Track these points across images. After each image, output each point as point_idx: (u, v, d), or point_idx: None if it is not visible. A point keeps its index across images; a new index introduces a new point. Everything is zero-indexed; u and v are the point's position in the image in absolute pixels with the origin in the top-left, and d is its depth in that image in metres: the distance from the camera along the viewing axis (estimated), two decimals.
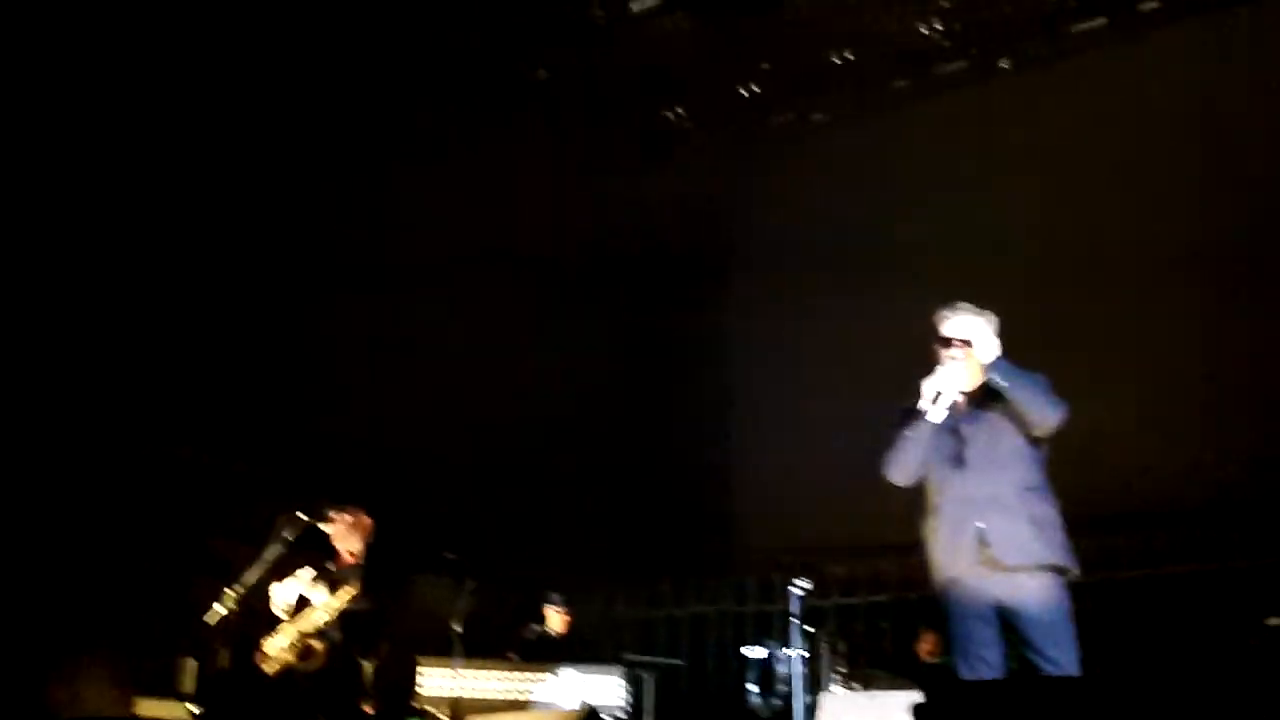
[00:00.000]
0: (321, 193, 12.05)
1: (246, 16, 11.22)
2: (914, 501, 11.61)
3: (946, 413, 5.61)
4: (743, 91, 13.70)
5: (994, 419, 5.60)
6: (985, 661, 5.44)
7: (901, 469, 5.81)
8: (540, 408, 13.78)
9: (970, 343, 5.67)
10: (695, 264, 14.68)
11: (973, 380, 5.66)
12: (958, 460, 5.62)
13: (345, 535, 7.90)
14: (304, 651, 7.44)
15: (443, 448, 12.64)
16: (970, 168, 12.85)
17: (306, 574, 7.76)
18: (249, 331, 11.47)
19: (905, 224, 13.03)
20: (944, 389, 5.59)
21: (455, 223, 12.87)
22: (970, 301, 5.84)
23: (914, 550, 11.73)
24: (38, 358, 9.93)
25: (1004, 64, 12.70)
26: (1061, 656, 5.25)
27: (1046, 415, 5.47)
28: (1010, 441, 5.57)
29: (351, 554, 7.87)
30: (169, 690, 8.54)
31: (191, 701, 8.02)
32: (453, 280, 12.81)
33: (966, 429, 5.64)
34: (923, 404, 5.61)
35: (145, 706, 7.96)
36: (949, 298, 5.86)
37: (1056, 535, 5.47)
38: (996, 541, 5.44)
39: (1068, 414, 5.47)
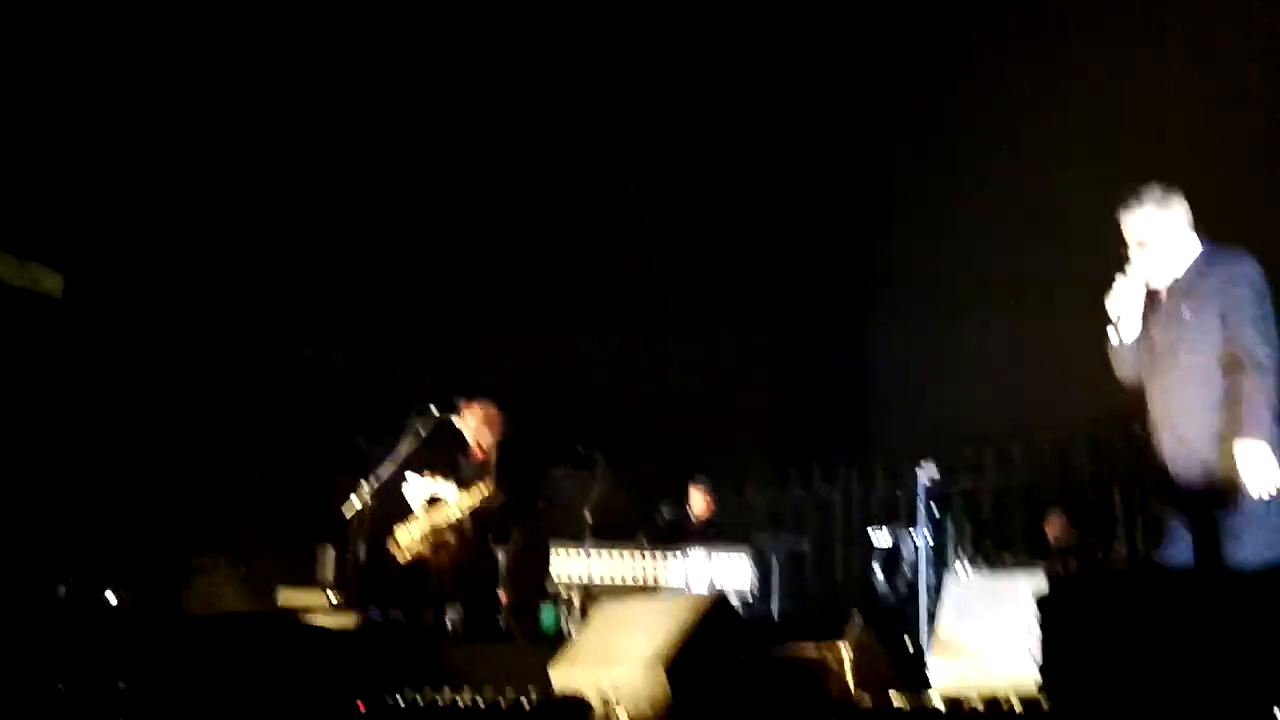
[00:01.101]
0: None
1: None
2: (1043, 386, 11.53)
3: (1136, 331, 5.17)
4: None
5: (1176, 328, 5.08)
6: (1180, 542, 5.05)
7: (1123, 378, 5.31)
8: (674, 297, 13.95)
9: (1149, 243, 5.13)
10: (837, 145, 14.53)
11: (1161, 279, 5.14)
12: (1150, 368, 5.19)
13: (477, 429, 8.05)
14: (437, 543, 7.65)
15: (580, 344, 13.01)
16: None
17: (440, 470, 7.96)
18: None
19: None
20: (1124, 309, 5.19)
21: None
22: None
23: (1043, 433, 11.69)
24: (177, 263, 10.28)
25: None
26: (1237, 552, 4.90)
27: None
28: (1189, 357, 5.04)
29: (482, 447, 8.02)
30: (310, 579, 8.87)
31: (330, 589, 8.33)
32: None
33: (1156, 335, 5.15)
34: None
35: (287, 595, 8.25)
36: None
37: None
38: (1170, 459, 5.02)
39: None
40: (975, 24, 13.21)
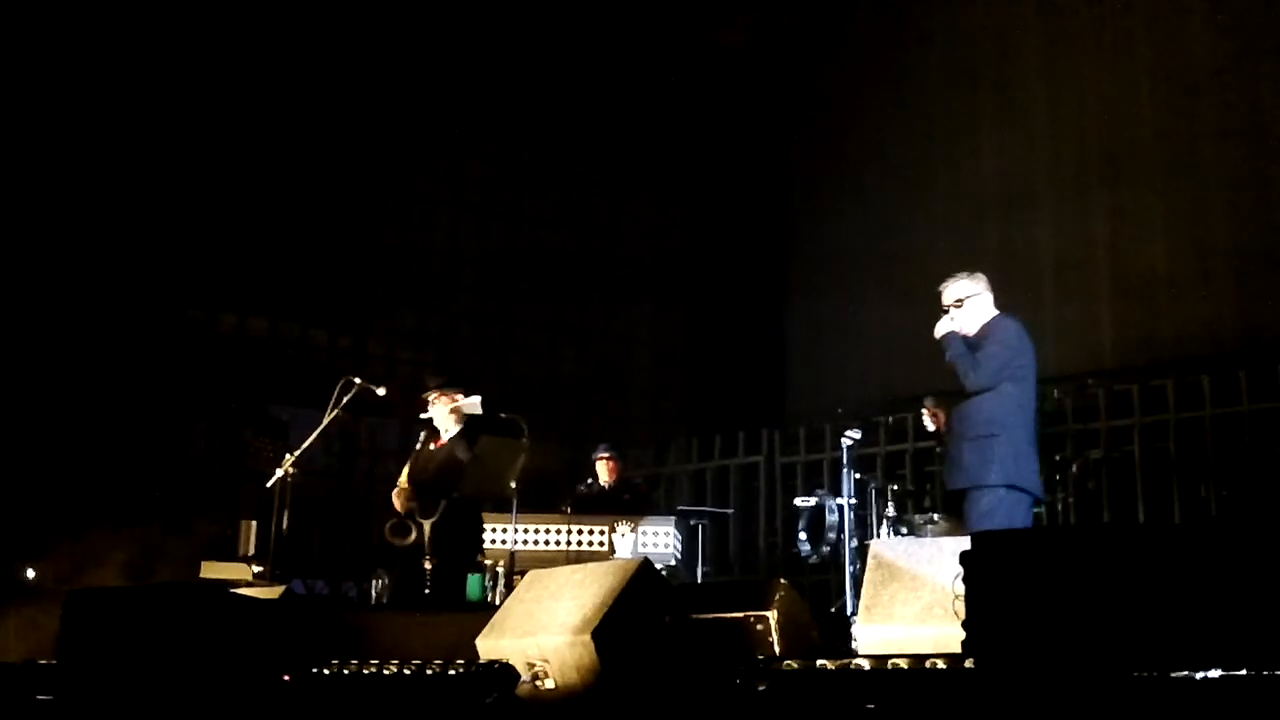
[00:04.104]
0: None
1: None
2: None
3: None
4: None
5: (966, 366, 6.68)
6: None
7: None
8: (599, 264, 13.99)
9: (959, 305, 6.83)
10: (760, 105, 14.57)
11: (970, 330, 6.81)
12: None
13: (445, 417, 8.01)
14: None
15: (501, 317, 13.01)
16: None
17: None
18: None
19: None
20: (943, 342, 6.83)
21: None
22: None
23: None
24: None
25: None
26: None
27: (966, 379, 6.63)
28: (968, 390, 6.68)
29: (441, 438, 8.01)
30: (231, 553, 8.79)
31: (252, 562, 8.26)
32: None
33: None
34: None
35: (210, 568, 8.16)
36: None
37: (988, 464, 6.46)
38: (948, 467, 6.90)
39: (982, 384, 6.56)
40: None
